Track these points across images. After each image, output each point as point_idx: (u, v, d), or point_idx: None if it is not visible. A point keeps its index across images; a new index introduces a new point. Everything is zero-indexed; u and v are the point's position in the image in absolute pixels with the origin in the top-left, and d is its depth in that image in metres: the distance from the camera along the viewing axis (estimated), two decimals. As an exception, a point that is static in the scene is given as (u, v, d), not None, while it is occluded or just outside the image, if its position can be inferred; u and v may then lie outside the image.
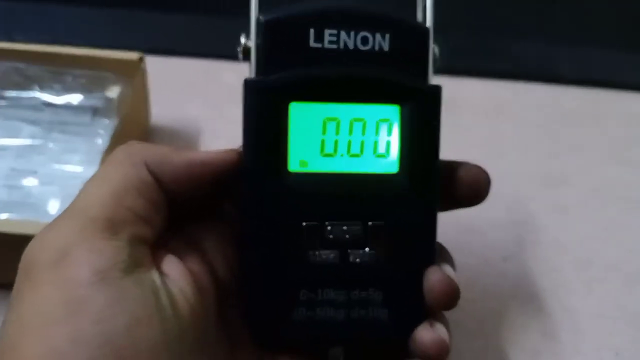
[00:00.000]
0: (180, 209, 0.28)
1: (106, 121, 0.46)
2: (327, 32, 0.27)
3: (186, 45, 0.57)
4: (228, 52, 0.54)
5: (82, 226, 0.25)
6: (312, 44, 0.27)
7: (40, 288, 0.23)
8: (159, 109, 0.50)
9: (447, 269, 0.29)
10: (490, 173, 0.29)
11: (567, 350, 0.40)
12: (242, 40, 0.27)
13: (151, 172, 0.27)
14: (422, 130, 0.28)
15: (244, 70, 0.58)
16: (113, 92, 0.47)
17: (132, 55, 0.46)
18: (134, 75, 0.46)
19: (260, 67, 0.27)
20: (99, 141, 0.46)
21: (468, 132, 0.51)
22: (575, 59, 0.58)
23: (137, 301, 0.24)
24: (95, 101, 0.47)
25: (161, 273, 0.26)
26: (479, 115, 0.53)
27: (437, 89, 0.28)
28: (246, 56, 0.27)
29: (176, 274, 0.26)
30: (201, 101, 0.53)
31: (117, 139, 0.42)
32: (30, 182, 0.44)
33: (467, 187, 0.29)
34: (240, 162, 0.27)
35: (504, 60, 0.57)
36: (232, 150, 0.28)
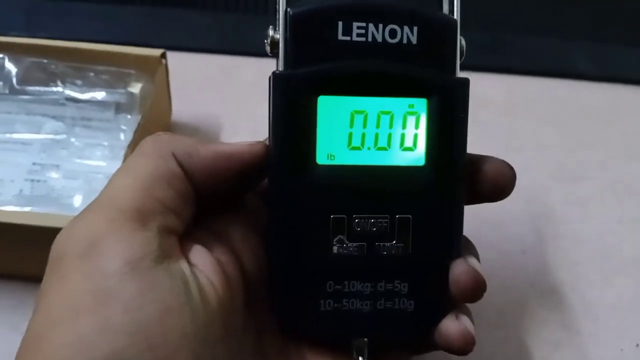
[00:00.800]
0: (206, 201, 0.28)
1: (128, 117, 0.47)
2: (355, 25, 0.27)
3: (206, 41, 0.58)
4: (248, 48, 0.56)
5: (111, 217, 0.25)
6: (340, 37, 0.27)
7: (69, 279, 0.23)
8: (180, 105, 0.51)
9: (473, 261, 0.29)
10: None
11: (587, 342, 0.40)
12: (270, 32, 0.27)
13: (179, 164, 0.27)
14: (449, 123, 0.28)
15: (263, 67, 0.58)
16: (135, 88, 0.47)
17: (154, 52, 0.46)
18: (155, 71, 0.46)
19: (288, 60, 0.27)
20: (122, 136, 0.46)
21: (486, 128, 0.52)
22: (593, 55, 0.58)
23: (167, 291, 0.24)
24: (117, 97, 0.47)
25: (190, 263, 0.26)
26: (497, 111, 0.53)
27: (464, 82, 0.28)
28: (273, 49, 0.27)
29: (204, 265, 0.27)
30: (221, 97, 0.54)
31: (139, 135, 0.42)
32: (53, 176, 0.45)
33: (492, 182, 0.29)
34: (267, 154, 0.28)
35: (521, 56, 0.57)
36: (258, 142, 0.28)
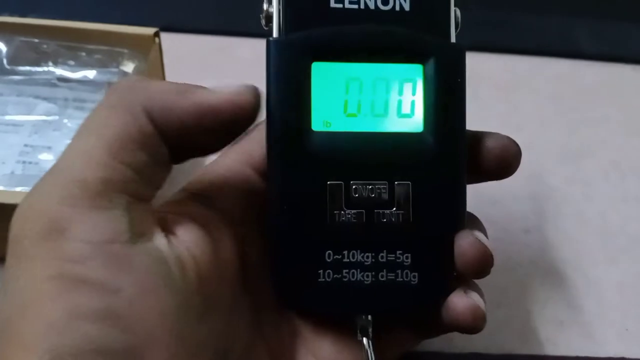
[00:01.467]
0: (179, 158, 0.26)
1: (121, 96, 0.46)
2: None
3: (202, 22, 0.57)
4: (244, 28, 0.55)
5: (71, 191, 0.22)
6: (332, 4, 0.27)
7: (33, 264, 0.22)
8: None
9: (479, 234, 0.28)
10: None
11: (591, 320, 0.40)
12: (265, 6, 0.27)
13: (152, 121, 0.24)
14: (446, 89, 0.28)
15: (259, 47, 0.58)
16: (128, 67, 0.46)
17: (148, 30, 0.45)
18: (149, 50, 0.45)
19: (281, 29, 0.27)
20: (114, 116, 0.45)
21: (488, 106, 0.51)
22: (594, 33, 0.58)
23: (142, 272, 0.22)
24: (110, 76, 0.46)
25: (168, 233, 0.24)
26: (499, 90, 0.53)
27: (459, 47, 0.28)
28: (268, 22, 0.27)
29: (185, 233, 0.25)
30: (217, 78, 0.53)
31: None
32: (45, 157, 0.44)
33: (496, 158, 0.28)
34: (257, 102, 0.26)
35: (523, 35, 0.56)
36: (245, 88, 0.26)
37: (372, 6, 0.27)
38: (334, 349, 0.28)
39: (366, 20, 0.27)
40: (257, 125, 0.28)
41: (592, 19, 0.59)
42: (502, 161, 0.28)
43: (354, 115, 0.28)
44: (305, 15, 0.27)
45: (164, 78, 0.48)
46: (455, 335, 0.37)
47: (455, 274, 0.28)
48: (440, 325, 0.28)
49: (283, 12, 0.27)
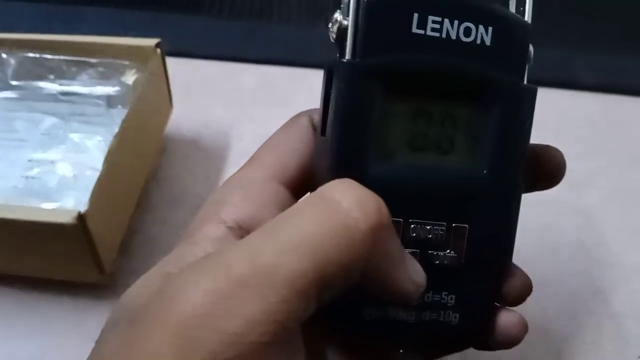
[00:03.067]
0: None
1: (122, 108, 0.46)
2: (430, 18, 0.25)
3: (210, 48, 0.57)
4: (250, 55, 0.55)
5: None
6: (414, 29, 0.25)
7: None
8: (183, 111, 0.50)
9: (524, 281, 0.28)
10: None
11: (589, 352, 0.39)
12: (338, 17, 0.25)
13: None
14: (514, 131, 0.26)
15: (264, 73, 0.58)
16: (129, 79, 0.46)
17: (149, 42, 0.45)
18: (150, 62, 0.45)
19: (355, 49, 0.25)
20: (116, 129, 0.45)
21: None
22: (592, 65, 0.57)
23: None
24: (112, 89, 0.46)
25: None
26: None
27: (533, 90, 0.26)
28: (340, 37, 0.25)
29: None
30: (223, 102, 0.53)
31: (129, 124, 0.41)
32: (48, 172, 0.44)
33: (554, 168, 0.29)
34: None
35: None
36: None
37: (453, 36, 0.25)
38: None
39: (446, 51, 0.25)
40: (276, 136, 0.28)
41: (590, 52, 0.58)
42: (558, 171, 0.29)
43: (419, 150, 0.26)
44: (384, 37, 0.25)
45: (168, 88, 0.48)
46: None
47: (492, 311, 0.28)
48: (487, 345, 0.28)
49: (361, 30, 0.24)
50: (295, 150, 0.27)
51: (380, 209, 0.21)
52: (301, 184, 0.27)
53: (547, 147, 0.29)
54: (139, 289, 0.23)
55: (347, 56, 0.25)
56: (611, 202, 0.47)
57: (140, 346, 0.19)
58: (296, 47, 0.57)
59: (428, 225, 0.26)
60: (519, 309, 0.28)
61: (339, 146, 0.25)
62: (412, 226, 0.26)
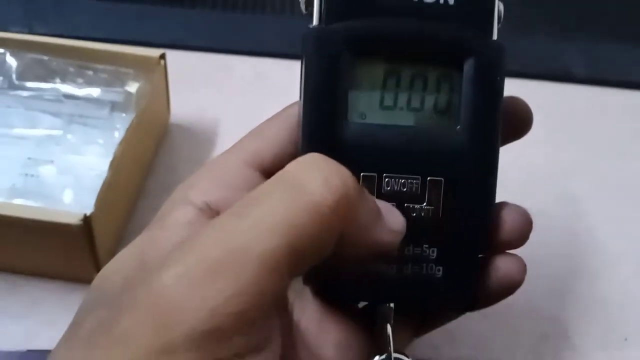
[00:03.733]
0: None
1: (123, 115, 0.47)
2: None
3: (205, 40, 0.58)
4: (245, 47, 0.57)
5: None
6: None
7: None
8: (178, 103, 0.51)
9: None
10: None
11: (576, 335, 0.41)
12: None
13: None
14: (485, 87, 0.27)
15: (260, 65, 0.59)
16: (132, 87, 0.48)
17: (154, 52, 0.47)
18: (153, 71, 0.46)
19: (322, 17, 0.27)
20: (116, 135, 0.47)
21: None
22: (584, 57, 0.59)
23: None
24: (114, 95, 0.48)
25: None
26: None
27: (501, 46, 0.27)
28: (308, 6, 0.27)
29: None
30: (219, 95, 0.54)
31: (132, 134, 0.42)
32: (46, 171, 0.45)
33: (523, 116, 0.30)
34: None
35: (513, 58, 0.57)
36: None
37: None
38: (339, 346, 0.28)
39: (409, 13, 0.27)
40: (258, 127, 0.29)
41: (582, 43, 0.60)
42: (528, 117, 0.30)
43: (389, 108, 0.27)
44: (348, 4, 0.26)
45: (167, 99, 0.50)
46: (441, 342, 0.39)
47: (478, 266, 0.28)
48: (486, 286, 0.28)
49: (325, 0, 0.26)
50: (276, 137, 0.28)
51: (344, 181, 0.22)
52: (277, 169, 0.28)
53: (511, 97, 0.29)
54: (112, 271, 0.24)
55: (314, 23, 0.27)
56: (599, 191, 0.49)
57: (119, 327, 0.20)
58: (290, 39, 0.58)
59: (402, 179, 0.27)
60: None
61: (310, 109, 0.27)
62: (386, 180, 0.27)
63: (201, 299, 0.20)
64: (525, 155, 0.50)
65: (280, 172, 0.23)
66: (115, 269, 0.24)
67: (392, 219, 0.25)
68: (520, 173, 0.49)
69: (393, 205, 0.26)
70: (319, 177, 0.22)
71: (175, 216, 0.26)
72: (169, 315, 0.20)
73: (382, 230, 0.24)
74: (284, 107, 0.29)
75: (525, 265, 0.29)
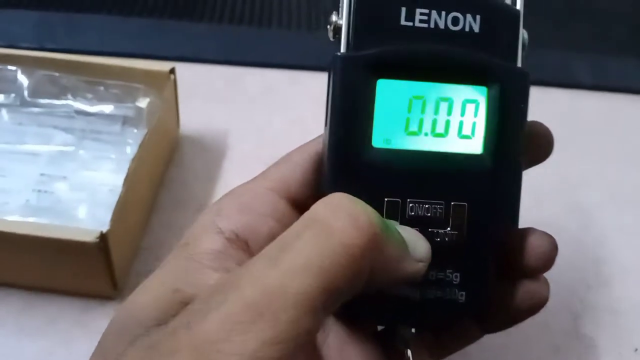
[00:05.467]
0: None
1: (135, 131, 0.48)
2: (418, 10, 0.27)
3: (213, 53, 0.59)
4: (253, 59, 0.58)
5: None
6: (402, 22, 0.27)
7: None
8: (187, 115, 0.52)
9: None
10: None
11: (586, 346, 0.41)
12: (333, 18, 0.27)
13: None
14: (509, 113, 0.28)
15: (268, 77, 0.59)
16: (143, 102, 0.48)
17: (163, 67, 0.47)
18: (164, 86, 0.47)
19: (349, 43, 0.27)
20: (128, 150, 0.47)
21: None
22: (592, 66, 0.59)
23: None
24: (125, 111, 0.48)
25: None
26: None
27: (526, 73, 0.28)
28: (336, 34, 0.27)
29: None
30: (228, 107, 0.55)
31: (145, 148, 0.43)
32: (59, 187, 0.45)
33: (544, 142, 0.30)
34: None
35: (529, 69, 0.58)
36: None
37: (442, 26, 0.27)
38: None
39: (435, 40, 0.27)
40: (286, 155, 0.29)
41: (588, 52, 0.60)
42: (549, 142, 0.30)
43: (414, 134, 0.28)
44: (375, 31, 0.27)
45: (177, 113, 0.50)
46: (454, 355, 0.39)
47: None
48: (509, 311, 0.29)
49: (353, 27, 0.27)
50: (302, 164, 0.29)
51: (371, 221, 0.23)
52: (305, 197, 0.28)
53: (532, 122, 0.30)
54: (146, 303, 0.24)
55: (342, 50, 0.27)
56: (609, 201, 0.49)
57: None
58: (297, 51, 0.59)
59: (426, 204, 0.27)
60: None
61: (336, 134, 0.27)
62: (411, 205, 0.27)
63: (242, 343, 0.20)
64: (536, 167, 0.51)
65: (308, 215, 0.23)
66: (148, 300, 0.24)
67: (418, 248, 0.26)
68: (529, 184, 0.49)
69: (417, 230, 0.27)
70: (346, 219, 0.22)
71: (203, 246, 0.26)
72: (211, 358, 0.20)
73: (409, 261, 0.25)
74: (313, 137, 0.29)
75: (548, 285, 0.29)
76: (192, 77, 0.55)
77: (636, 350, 0.41)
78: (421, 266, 0.26)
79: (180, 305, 0.23)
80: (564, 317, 0.42)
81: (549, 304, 0.42)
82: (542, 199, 0.49)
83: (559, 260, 0.45)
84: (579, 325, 0.42)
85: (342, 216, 0.23)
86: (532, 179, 0.49)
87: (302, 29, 0.62)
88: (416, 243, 0.26)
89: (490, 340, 0.40)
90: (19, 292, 0.41)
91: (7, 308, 0.41)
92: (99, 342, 0.24)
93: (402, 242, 0.25)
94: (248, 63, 0.58)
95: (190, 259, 0.26)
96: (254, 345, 0.20)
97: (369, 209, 0.23)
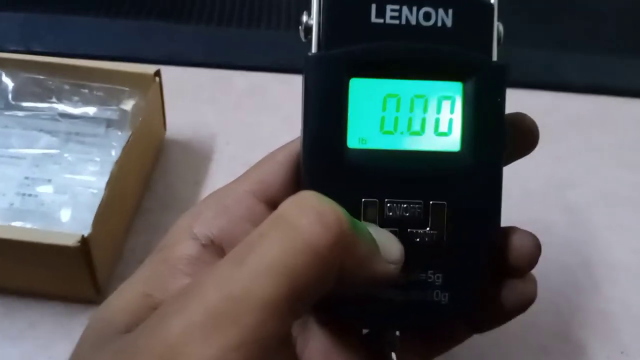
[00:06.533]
0: None
1: (119, 133, 0.48)
2: (388, 7, 0.26)
3: (199, 55, 0.59)
4: (238, 61, 0.57)
5: None
6: (373, 19, 0.26)
7: None
8: (173, 117, 0.51)
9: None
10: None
11: (574, 348, 0.41)
12: (304, 18, 0.27)
13: None
14: (485, 108, 0.27)
15: (253, 79, 0.59)
16: (127, 105, 0.48)
17: (148, 69, 0.47)
18: (149, 89, 0.46)
19: (321, 43, 0.27)
20: (113, 153, 0.47)
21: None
22: (581, 66, 0.59)
23: None
24: (110, 113, 0.48)
25: None
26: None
27: (501, 66, 0.27)
28: (307, 35, 0.27)
29: None
30: (214, 109, 0.55)
31: (129, 152, 0.43)
32: (44, 190, 0.45)
33: (529, 133, 0.29)
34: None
35: (512, 69, 0.58)
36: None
37: (413, 22, 0.26)
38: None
39: (407, 37, 0.26)
40: (269, 154, 0.29)
41: (578, 52, 0.60)
42: (535, 134, 0.29)
43: (390, 133, 0.27)
44: (346, 30, 0.26)
45: (163, 115, 0.50)
46: (441, 356, 0.39)
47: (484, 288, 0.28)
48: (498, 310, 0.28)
49: (323, 26, 0.26)
50: (282, 166, 0.28)
51: (339, 218, 0.22)
52: (283, 199, 0.28)
53: (518, 114, 0.29)
54: (118, 308, 0.24)
55: (313, 50, 0.27)
56: (598, 201, 0.49)
57: None
58: (285, 53, 0.59)
59: (404, 204, 0.27)
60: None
61: (311, 135, 0.26)
62: (389, 205, 0.26)
63: (207, 348, 0.20)
64: (522, 165, 0.50)
65: (274, 214, 0.23)
66: (120, 305, 0.24)
67: (390, 249, 0.25)
68: (520, 184, 0.49)
69: (394, 231, 0.26)
70: (312, 217, 0.22)
71: (178, 251, 0.26)
72: None
73: (380, 262, 0.24)
74: (292, 138, 0.29)
75: (536, 282, 0.28)
76: (179, 79, 0.55)
77: (622, 352, 0.41)
78: (392, 268, 0.25)
79: (150, 310, 0.23)
80: (551, 317, 0.42)
81: (536, 304, 0.42)
82: (532, 199, 0.49)
83: (547, 260, 0.45)
84: (567, 326, 0.42)
85: (309, 214, 0.22)
86: (522, 178, 0.49)
87: (291, 30, 0.62)
88: (387, 244, 0.25)
89: (478, 341, 0.40)
90: (0, 296, 0.41)
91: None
92: (75, 348, 0.24)
93: (373, 242, 0.24)
94: (235, 65, 0.58)
95: (164, 263, 0.26)
96: (215, 350, 0.20)
97: (336, 207, 0.23)
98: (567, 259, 0.46)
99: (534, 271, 0.29)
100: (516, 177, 0.48)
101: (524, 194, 0.49)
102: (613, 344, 0.41)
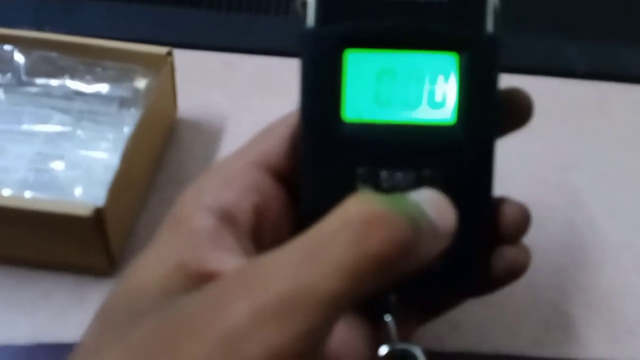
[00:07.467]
0: None
1: (133, 111, 0.48)
2: None
3: (210, 39, 0.59)
4: (249, 45, 0.58)
5: None
6: None
7: None
8: (185, 100, 0.52)
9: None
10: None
11: (578, 325, 0.41)
12: None
13: None
14: (480, 80, 0.28)
15: (264, 63, 0.59)
16: (140, 84, 0.48)
17: (161, 49, 0.47)
18: (161, 68, 0.47)
19: (316, 18, 0.27)
20: (125, 130, 0.47)
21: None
22: (584, 52, 0.59)
23: None
24: (122, 92, 0.48)
25: None
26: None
27: (496, 38, 0.28)
28: (303, 9, 0.28)
29: None
30: (224, 92, 0.55)
31: (141, 128, 0.43)
32: (56, 166, 0.45)
33: (523, 105, 0.30)
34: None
35: (514, 54, 0.57)
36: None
37: None
38: (344, 342, 0.28)
39: (402, 12, 0.27)
40: (268, 126, 0.29)
41: (583, 39, 0.60)
42: (529, 106, 0.30)
43: (385, 105, 0.28)
44: (341, 4, 0.27)
45: (175, 95, 0.50)
46: (445, 333, 0.39)
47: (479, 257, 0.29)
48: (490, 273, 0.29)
49: (319, 1, 0.27)
50: (282, 137, 0.29)
51: (405, 228, 0.23)
52: (286, 168, 0.28)
53: (512, 87, 0.30)
54: (148, 277, 0.24)
55: (310, 25, 0.27)
56: (600, 183, 0.50)
57: (183, 352, 0.21)
58: (293, 37, 0.59)
59: (399, 173, 0.27)
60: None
61: (307, 108, 0.27)
62: (383, 175, 0.27)
63: (277, 332, 0.20)
64: (525, 148, 0.51)
65: (343, 213, 0.23)
66: (151, 275, 0.24)
67: (445, 221, 0.25)
68: (520, 164, 0.49)
69: (443, 197, 0.26)
70: (382, 229, 0.22)
71: (197, 222, 0.26)
72: (238, 349, 0.20)
73: (438, 247, 0.25)
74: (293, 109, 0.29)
75: (529, 251, 0.29)
76: (190, 62, 0.55)
77: (630, 331, 0.41)
78: (448, 239, 0.25)
79: (186, 279, 0.24)
80: (555, 296, 0.42)
81: (540, 280, 0.43)
82: (533, 180, 0.49)
83: (550, 240, 0.46)
84: (571, 305, 0.42)
85: (377, 223, 0.22)
86: (523, 160, 0.49)
87: (299, 15, 0.62)
88: (443, 215, 0.25)
89: (480, 314, 0.40)
90: (13, 267, 0.41)
91: (1, 283, 0.41)
92: (98, 318, 0.24)
93: (434, 230, 0.25)
94: (245, 49, 0.58)
95: (189, 234, 0.26)
96: (286, 337, 0.20)
97: (401, 211, 0.23)
98: (568, 239, 0.46)
99: (534, 246, 0.30)
100: (517, 158, 0.49)
101: (527, 175, 0.49)
102: (618, 323, 0.41)
